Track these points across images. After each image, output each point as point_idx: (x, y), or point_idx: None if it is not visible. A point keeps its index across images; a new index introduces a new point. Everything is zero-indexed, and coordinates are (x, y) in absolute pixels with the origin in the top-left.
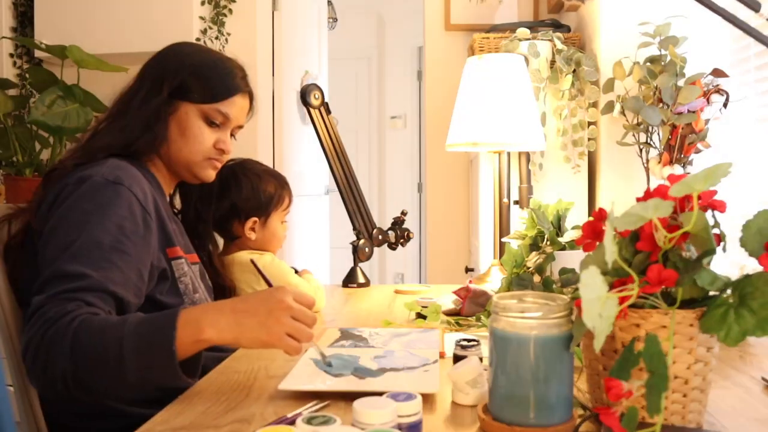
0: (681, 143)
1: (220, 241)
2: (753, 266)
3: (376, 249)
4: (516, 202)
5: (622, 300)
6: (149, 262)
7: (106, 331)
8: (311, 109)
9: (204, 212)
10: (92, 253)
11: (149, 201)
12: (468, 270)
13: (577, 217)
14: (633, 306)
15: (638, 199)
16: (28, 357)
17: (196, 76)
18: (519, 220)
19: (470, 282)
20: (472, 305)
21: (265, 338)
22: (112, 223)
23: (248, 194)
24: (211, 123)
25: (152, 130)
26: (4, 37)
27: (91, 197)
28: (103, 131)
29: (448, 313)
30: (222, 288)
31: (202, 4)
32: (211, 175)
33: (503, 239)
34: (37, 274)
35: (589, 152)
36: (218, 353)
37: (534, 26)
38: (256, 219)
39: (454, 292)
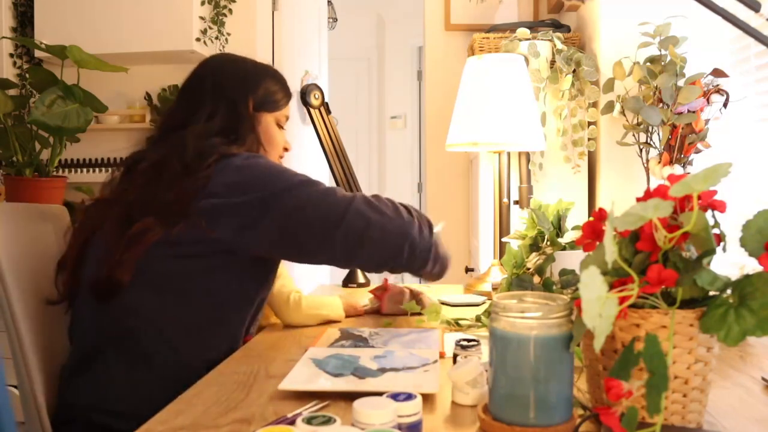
0: (681, 143)
1: None
2: (753, 266)
3: None
4: (516, 202)
5: (622, 300)
6: None
7: None
8: (311, 109)
9: None
10: None
11: None
12: (468, 270)
13: (577, 217)
14: (633, 306)
15: (638, 199)
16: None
17: (269, 89)
18: (519, 220)
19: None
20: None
21: None
22: None
23: None
24: (280, 127)
25: (260, 142)
26: (4, 37)
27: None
28: (214, 142)
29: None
30: None
31: (202, 4)
32: None
33: (503, 239)
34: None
35: (589, 152)
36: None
37: (534, 26)
38: None
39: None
